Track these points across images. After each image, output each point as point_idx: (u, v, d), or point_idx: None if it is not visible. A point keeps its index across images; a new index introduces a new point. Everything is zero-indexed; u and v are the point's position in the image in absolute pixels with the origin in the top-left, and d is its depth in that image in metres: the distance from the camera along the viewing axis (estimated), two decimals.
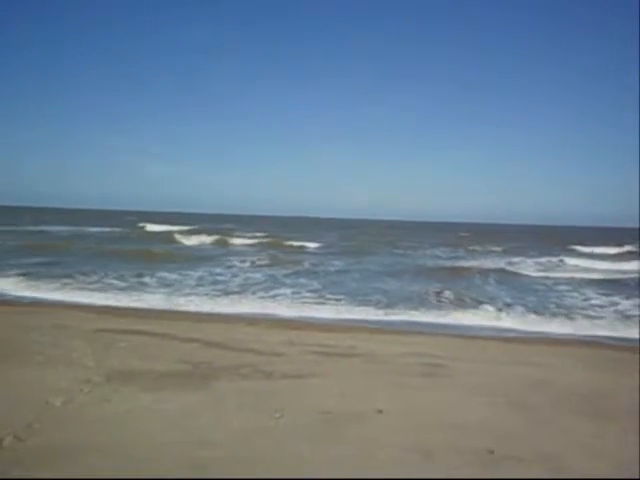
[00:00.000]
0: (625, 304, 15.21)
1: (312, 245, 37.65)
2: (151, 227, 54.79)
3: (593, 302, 15.67)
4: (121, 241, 35.14)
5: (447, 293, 16.20)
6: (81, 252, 26.44)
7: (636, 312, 13.99)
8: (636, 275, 21.16)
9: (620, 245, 42.38)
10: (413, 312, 13.56)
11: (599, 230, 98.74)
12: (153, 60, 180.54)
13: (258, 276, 19.91)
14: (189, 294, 15.54)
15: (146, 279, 17.90)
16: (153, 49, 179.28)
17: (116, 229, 50.47)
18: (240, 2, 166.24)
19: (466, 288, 17.69)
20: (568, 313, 13.84)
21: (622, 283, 19.60)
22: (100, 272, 18.78)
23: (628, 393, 6.50)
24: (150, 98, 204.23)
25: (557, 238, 55.73)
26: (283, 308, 13.87)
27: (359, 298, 15.28)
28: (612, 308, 14.83)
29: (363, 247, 37.75)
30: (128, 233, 44.99)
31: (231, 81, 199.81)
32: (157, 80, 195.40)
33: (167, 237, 39.49)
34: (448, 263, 27.10)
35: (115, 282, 17.13)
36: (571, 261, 28.20)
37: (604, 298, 16.41)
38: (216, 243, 37.30)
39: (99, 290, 15.77)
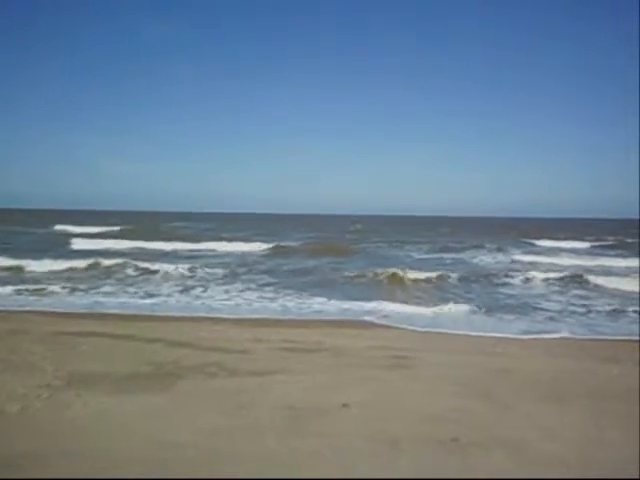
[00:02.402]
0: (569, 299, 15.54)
1: (255, 248, 30.90)
2: (60, 227, 48.62)
3: (548, 297, 15.94)
4: None
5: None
6: None
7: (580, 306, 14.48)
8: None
9: (591, 238, 43.35)
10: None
11: (589, 222, 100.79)
12: (117, 57, 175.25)
13: None
14: None
15: None
16: (117, 46, 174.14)
17: (17, 228, 46.05)
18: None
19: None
20: (524, 307, 14.14)
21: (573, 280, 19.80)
22: None
23: (586, 378, 6.77)
24: (114, 95, 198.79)
25: (537, 231, 56.36)
26: None
27: None
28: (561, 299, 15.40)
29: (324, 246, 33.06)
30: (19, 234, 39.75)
31: (201, 79, 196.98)
32: (122, 77, 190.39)
33: (58, 240, 33.43)
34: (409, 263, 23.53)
35: None
36: (528, 258, 28.29)
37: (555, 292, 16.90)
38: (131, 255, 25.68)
39: None
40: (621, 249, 34.73)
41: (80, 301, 13.84)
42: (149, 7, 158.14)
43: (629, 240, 42.15)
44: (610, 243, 40.50)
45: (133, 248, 30.26)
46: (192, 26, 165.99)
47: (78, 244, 31.24)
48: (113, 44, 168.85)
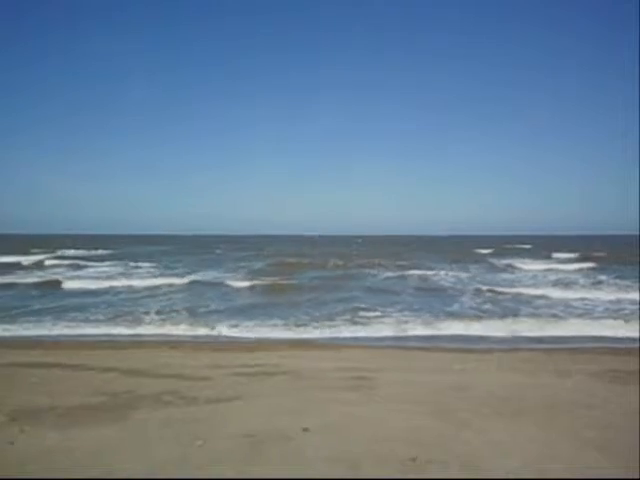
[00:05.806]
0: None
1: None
2: None
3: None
4: None
5: None
6: None
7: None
8: None
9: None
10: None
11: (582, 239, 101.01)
12: (67, 71, 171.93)
13: None
14: None
15: None
16: (67, 58, 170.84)
17: None
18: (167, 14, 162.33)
19: None
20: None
21: None
22: None
23: (538, 391, 6.92)
24: (65, 116, 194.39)
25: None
26: None
27: None
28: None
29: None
30: None
31: (160, 99, 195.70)
32: (75, 95, 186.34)
33: None
34: None
35: None
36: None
37: None
38: None
39: None
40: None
41: None
42: (108, 27, 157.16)
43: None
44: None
45: None
46: (151, 47, 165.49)
47: None
48: (72, 61, 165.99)
